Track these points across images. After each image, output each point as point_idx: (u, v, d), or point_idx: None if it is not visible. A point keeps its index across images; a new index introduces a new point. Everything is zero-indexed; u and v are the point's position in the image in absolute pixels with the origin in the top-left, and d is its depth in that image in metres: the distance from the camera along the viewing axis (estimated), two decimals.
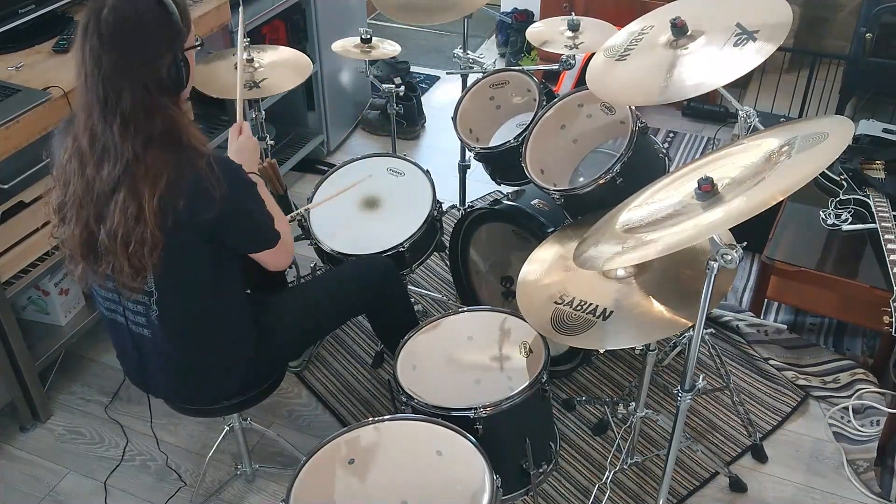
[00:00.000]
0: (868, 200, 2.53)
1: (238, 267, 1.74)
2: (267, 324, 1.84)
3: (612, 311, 1.67)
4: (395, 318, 2.15)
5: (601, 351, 2.52)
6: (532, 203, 2.30)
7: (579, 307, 1.70)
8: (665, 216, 1.50)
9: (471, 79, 2.71)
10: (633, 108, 2.09)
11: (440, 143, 3.78)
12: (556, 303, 1.74)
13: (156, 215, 1.49)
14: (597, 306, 1.69)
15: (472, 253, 2.54)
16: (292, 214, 2.14)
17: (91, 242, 1.57)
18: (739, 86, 3.79)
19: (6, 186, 2.12)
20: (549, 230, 2.15)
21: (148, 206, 1.48)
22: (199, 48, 1.64)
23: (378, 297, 2.09)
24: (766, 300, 2.66)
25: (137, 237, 1.51)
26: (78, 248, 1.59)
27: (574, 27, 2.52)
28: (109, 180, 1.51)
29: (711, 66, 1.75)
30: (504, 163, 2.41)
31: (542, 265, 1.90)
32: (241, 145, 1.90)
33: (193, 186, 1.50)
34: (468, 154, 2.65)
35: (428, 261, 2.51)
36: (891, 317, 1.90)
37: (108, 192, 1.52)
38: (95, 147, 1.52)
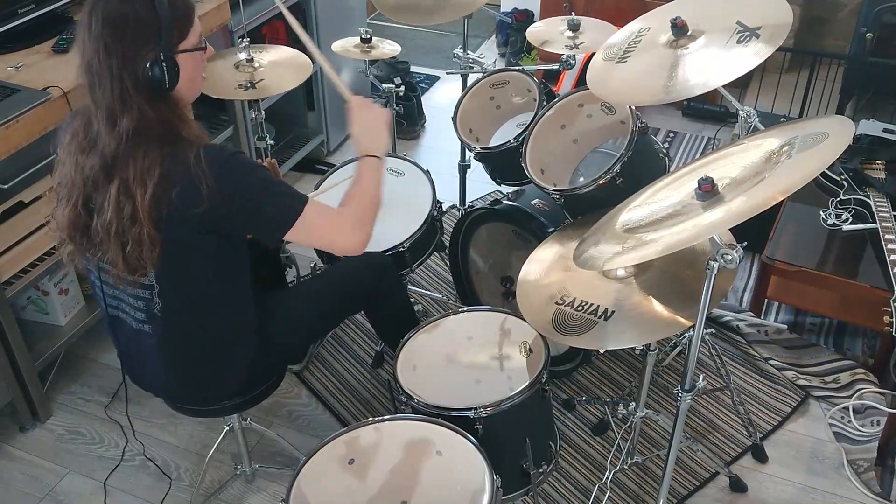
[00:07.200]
0: (868, 200, 2.53)
1: (243, 262, 1.72)
2: (266, 323, 1.83)
3: (612, 312, 1.67)
4: (395, 318, 2.15)
5: (601, 351, 2.52)
6: (532, 203, 2.30)
7: (580, 307, 1.70)
8: (665, 216, 1.50)
9: (471, 79, 2.71)
10: (633, 108, 2.09)
11: (440, 143, 3.78)
12: (556, 303, 1.74)
13: (150, 213, 1.49)
14: (597, 306, 1.69)
15: (472, 253, 2.53)
16: None
17: (78, 224, 1.58)
18: (739, 86, 3.79)
19: (6, 186, 2.12)
20: (549, 230, 2.14)
21: (142, 206, 1.49)
22: (202, 51, 1.64)
23: (376, 294, 2.08)
24: (766, 300, 2.66)
25: (134, 237, 1.51)
26: (66, 227, 1.60)
27: (574, 27, 2.52)
28: (94, 168, 1.52)
29: (715, 63, 1.74)
30: (504, 163, 2.41)
31: (543, 265, 1.90)
32: (364, 121, 1.80)
33: (184, 179, 1.50)
34: (468, 154, 2.65)
35: (428, 261, 2.50)
36: (891, 317, 1.89)
37: (93, 180, 1.53)
38: (89, 132, 1.55)
